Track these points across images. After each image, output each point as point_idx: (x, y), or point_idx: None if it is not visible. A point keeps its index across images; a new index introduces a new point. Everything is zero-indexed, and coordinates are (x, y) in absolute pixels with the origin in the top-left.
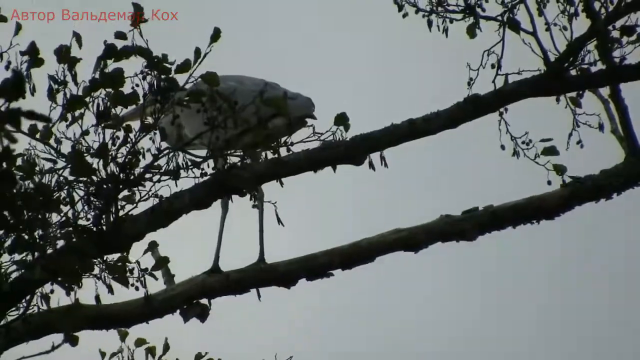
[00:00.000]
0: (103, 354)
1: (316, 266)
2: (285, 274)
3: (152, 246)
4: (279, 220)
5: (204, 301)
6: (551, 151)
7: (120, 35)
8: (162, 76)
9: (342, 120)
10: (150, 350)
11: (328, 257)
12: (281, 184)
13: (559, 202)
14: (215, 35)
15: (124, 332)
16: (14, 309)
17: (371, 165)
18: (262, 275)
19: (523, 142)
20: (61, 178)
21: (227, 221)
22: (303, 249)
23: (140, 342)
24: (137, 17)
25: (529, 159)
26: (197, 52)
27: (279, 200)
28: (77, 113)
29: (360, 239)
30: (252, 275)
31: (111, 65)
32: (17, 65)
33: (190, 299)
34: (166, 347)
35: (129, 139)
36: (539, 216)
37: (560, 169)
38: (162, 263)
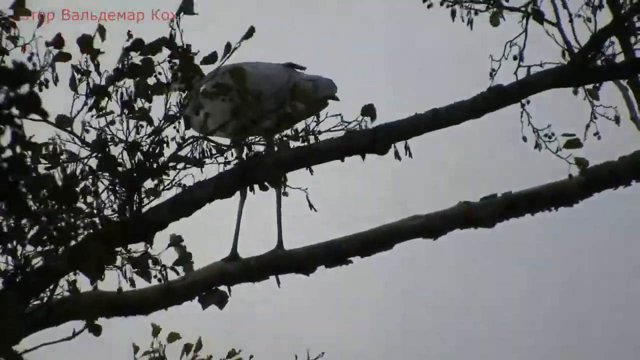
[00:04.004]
0: (136, 349)
1: (335, 252)
2: (304, 261)
3: (176, 240)
4: (310, 206)
5: (223, 288)
6: (574, 144)
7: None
8: (187, 65)
9: (369, 111)
10: (187, 348)
11: (347, 244)
12: (311, 171)
13: (577, 189)
14: (249, 32)
15: (157, 328)
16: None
17: (397, 155)
18: (280, 261)
19: (545, 135)
20: (86, 167)
21: (245, 207)
22: (322, 237)
23: (173, 337)
24: (186, 6)
25: (551, 152)
26: (228, 47)
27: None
28: (99, 102)
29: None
30: (270, 262)
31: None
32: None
33: (209, 286)
34: (199, 345)
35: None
36: (557, 203)
37: (582, 163)
38: (185, 259)
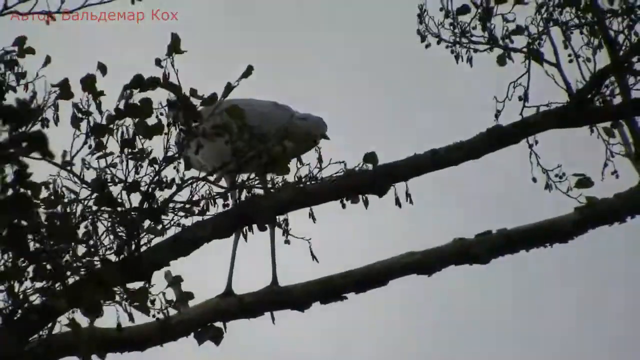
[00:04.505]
0: None
1: (330, 289)
2: (299, 297)
3: (176, 280)
4: (313, 257)
5: (219, 324)
6: (585, 183)
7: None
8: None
9: (371, 159)
10: None
11: (342, 280)
12: (313, 219)
13: (572, 225)
14: (247, 72)
15: None
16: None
17: (397, 202)
18: (275, 298)
19: (556, 176)
20: (86, 207)
21: (240, 243)
22: (318, 274)
23: None
24: (174, 47)
25: (561, 192)
26: (228, 87)
27: (296, 228)
28: (100, 141)
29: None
30: (265, 299)
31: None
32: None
33: (204, 323)
34: None
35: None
36: (553, 239)
37: (593, 202)
38: (186, 299)
